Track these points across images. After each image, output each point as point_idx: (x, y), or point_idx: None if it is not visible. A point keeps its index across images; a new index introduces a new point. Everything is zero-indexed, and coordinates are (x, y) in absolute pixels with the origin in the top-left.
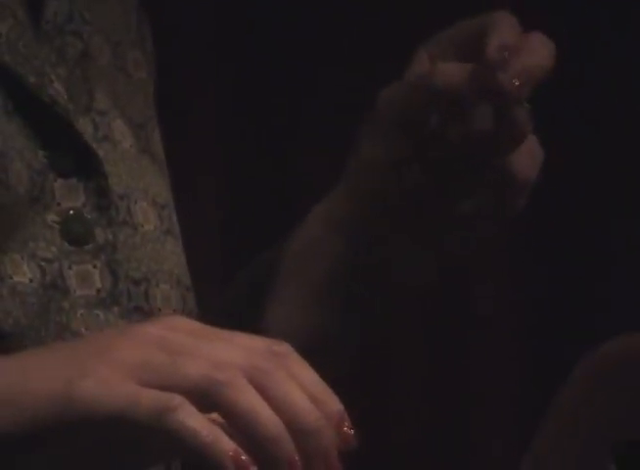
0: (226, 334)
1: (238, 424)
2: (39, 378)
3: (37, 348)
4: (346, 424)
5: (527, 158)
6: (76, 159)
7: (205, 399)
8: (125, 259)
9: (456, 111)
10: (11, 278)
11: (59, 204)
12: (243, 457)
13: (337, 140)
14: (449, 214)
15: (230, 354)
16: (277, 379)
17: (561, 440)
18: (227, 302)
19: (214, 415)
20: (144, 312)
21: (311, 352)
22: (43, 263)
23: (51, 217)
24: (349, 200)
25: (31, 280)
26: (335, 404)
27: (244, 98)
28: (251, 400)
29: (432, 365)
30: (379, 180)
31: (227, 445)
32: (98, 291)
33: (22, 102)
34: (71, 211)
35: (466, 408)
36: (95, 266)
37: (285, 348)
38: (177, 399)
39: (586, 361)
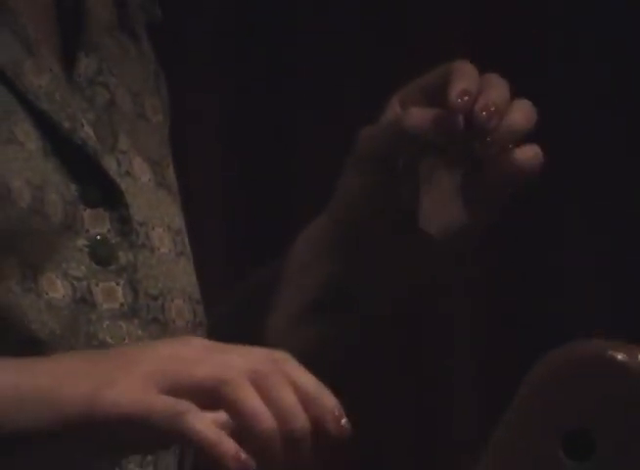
0: (232, 346)
1: (238, 419)
2: (71, 384)
3: (70, 354)
4: (342, 419)
5: (496, 177)
6: (102, 191)
7: (212, 396)
8: (144, 278)
9: (421, 148)
10: (47, 294)
11: (87, 230)
12: (243, 457)
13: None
14: (417, 238)
15: (234, 360)
16: (274, 382)
17: (516, 429)
18: (229, 315)
19: (221, 413)
20: (160, 323)
21: (307, 358)
22: (74, 281)
23: (81, 242)
24: (333, 226)
25: (64, 296)
26: (329, 401)
27: (246, 119)
28: (250, 399)
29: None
30: (357, 208)
31: (229, 445)
32: (121, 305)
33: (57, 143)
34: (98, 237)
35: (440, 405)
36: (118, 284)
37: (283, 355)
38: (187, 405)
39: (541, 363)
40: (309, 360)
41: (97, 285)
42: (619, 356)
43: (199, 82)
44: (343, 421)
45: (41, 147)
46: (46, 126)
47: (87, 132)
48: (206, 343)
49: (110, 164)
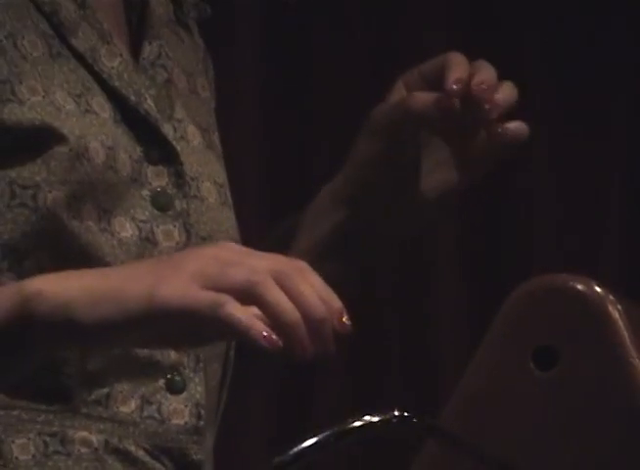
0: (261, 252)
1: (268, 313)
2: (132, 284)
3: (131, 262)
4: (345, 317)
5: (481, 147)
6: (162, 152)
7: (246, 295)
8: (196, 222)
9: (424, 125)
10: (118, 233)
11: (150, 183)
12: (273, 336)
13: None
14: (415, 197)
15: (262, 263)
16: (296, 281)
17: (494, 346)
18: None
19: (254, 308)
20: None
21: None
22: (140, 224)
23: (145, 192)
24: (347, 182)
25: (132, 235)
26: (337, 302)
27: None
28: (276, 296)
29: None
30: (368, 169)
31: (262, 327)
32: (177, 243)
33: (125, 114)
34: (159, 188)
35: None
36: (175, 226)
37: (302, 263)
38: (226, 297)
39: (516, 292)
40: None
41: (158, 227)
42: (579, 286)
43: (240, 68)
44: (346, 319)
45: (112, 116)
46: (117, 100)
47: (150, 105)
48: (240, 247)
49: (168, 130)
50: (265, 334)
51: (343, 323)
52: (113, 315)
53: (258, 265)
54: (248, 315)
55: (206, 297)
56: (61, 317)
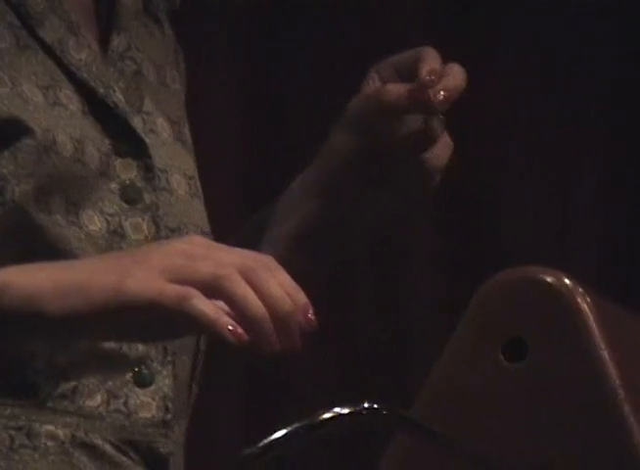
0: (228, 247)
1: (234, 307)
2: (98, 276)
3: (101, 254)
4: (310, 312)
5: (441, 149)
6: (131, 145)
7: (212, 289)
8: (165, 215)
9: (396, 117)
10: (86, 227)
11: (118, 176)
12: (239, 330)
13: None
14: (387, 187)
15: (229, 258)
16: (262, 275)
17: (465, 338)
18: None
19: (220, 302)
20: None
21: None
22: (108, 217)
23: (113, 185)
24: (319, 173)
25: (100, 228)
26: (302, 297)
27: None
28: (243, 290)
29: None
30: (340, 161)
31: (227, 321)
32: (145, 237)
33: (94, 106)
34: (127, 181)
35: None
36: (143, 219)
37: (269, 257)
38: (192, 291)
39: (486, 284)
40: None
41: (126, 220)
42: (549, 279)
43: (212, 60)
44: (311, 315)
45: (81, 109)
46: (85, 92)
47: (118, 97)
48: (207, 242)
49: (137, 122)
50: (231, 328)
51: (309, 318)
52: (79, 307)
53: (225, 259)
54: (213, 309)
55: (172, 290)
56: (27, 309)
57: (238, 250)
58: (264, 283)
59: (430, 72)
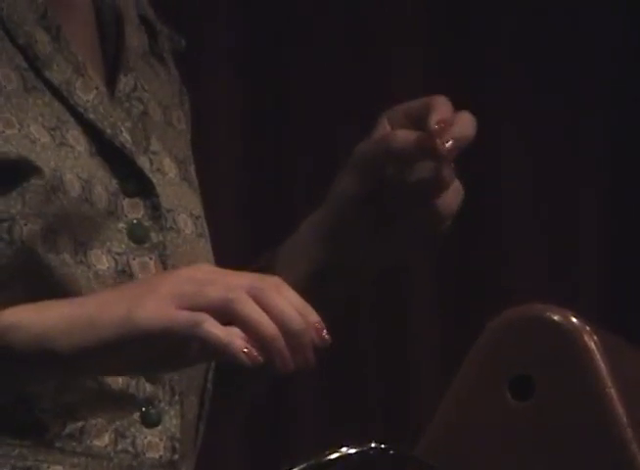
0: (235, 271)
1: (246, 328)
2: (107, 309)
3: (110, 288)
4: (323, 329)
5: (452, 196)
6: (138, 185)
7: (223, 313)
8: (171, 254)
9: (404, 163)
10: (94, 266)
11: (126, 215)
12: (252, 351)
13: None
14: (395, 232)
15: (238, 281)
16: (272, 296)
17: (470, 376)
18: None
19: (232, 325)
20: None
21: None
22: (116, 256)
23: (121, 225)
24: (328, 217)
25: (108, 268)
26: (313, 315)
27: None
28: (253, 311)
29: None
30: (348, 204)
31: (241, 344)
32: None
33: (101, 146)
34: (135, 221)
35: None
36: (151, 258)
37: (277, 278)
38: (203, 316)
39: (492, 322)
40: None
41: (134, 259)
42: (555, 317)
43: (215, 97)
44: (325, 333)
45: (88, 149)
46: (92, 133)
47: (125, 137)
48: (214, 267)
49: (144, 162)
50: (245, 350)
51: (322, 336)
52: (89, 342)
53: (234, 283)
54: (225, 332)
55: (184, 316)
56: (38, 347)
57: (245, 273)
58: (274, 302)
59: (439, 122)
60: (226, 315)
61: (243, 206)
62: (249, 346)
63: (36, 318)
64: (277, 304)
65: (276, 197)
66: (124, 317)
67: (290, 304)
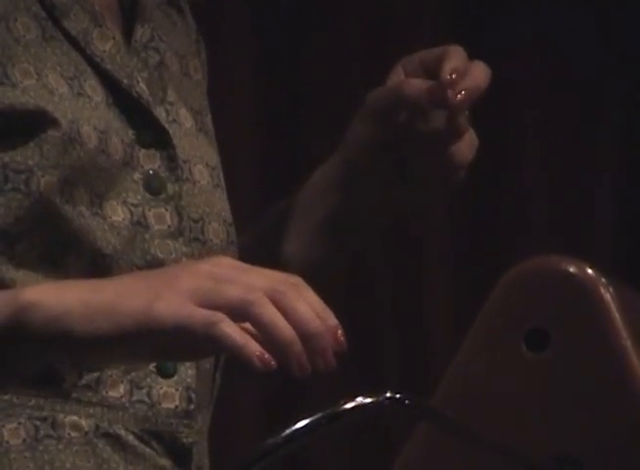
0: (255, 268)
1: (263, 331)
2: (128, 299)
3: (127, 274)
4: (340, 333)
5: (466, 145)
6: (154, 135)
7: (240, 313)
8: (187, 205)
9: (418, 111)
10: (110, 218)
11: (142, 166)
12: (266, 356)
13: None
14: (409, 179)
15: (257, 281)
16: (290, 298)
17: (486, 328)
18: (255, 237)
19: (248, 325)
20: (200, 242)
21: (313, 273)
22: (131, 208)
23: (137, 176)
24: (341, 165)
25: (123, 219)
26: (332, 319)
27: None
28: (271, 315)
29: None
30: (362, 152)
31: (255, 347)
32: (169, 226)
33: (118, 96)
34: (151, 171)
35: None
36: (167, 210)
37: (297, 278)
38: (220, 315)
39: (508, 275)
40: (315, 276)
41: (149, 210)
42: (571, 269)
43: (231, 48)
44: (341, 335)
45: (105, 100)
46: (109, 83)
47: (142, 88)
48: (235, 263)
49: (160, 113)
50: (258, 354)
51: (339, 339)
52: (107, 330)
53: (253, 283)
54: (241, 334)
55: (200, 314)
56: (54, 329)
57: (266, 271)
58: (293, 305)
59: (451, 71)
60: (243, 316)
61: (258, 158)
62: (263, 350)
63: (54, 300)
64: (296, 306)
65: (291, 150)
66: (143, 309)
67: (308, 306)
